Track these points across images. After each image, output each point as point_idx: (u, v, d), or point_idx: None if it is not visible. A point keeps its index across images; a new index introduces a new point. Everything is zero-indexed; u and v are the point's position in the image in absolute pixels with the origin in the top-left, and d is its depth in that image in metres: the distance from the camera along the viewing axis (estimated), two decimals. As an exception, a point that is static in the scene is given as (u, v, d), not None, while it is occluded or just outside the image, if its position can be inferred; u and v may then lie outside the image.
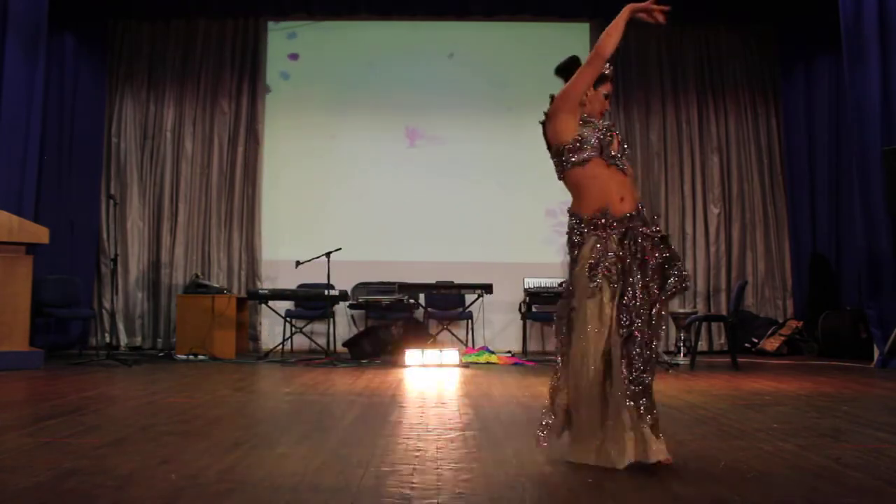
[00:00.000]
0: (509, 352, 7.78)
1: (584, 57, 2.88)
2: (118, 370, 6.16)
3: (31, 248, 6.39)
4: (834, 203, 8.22)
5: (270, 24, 9.08)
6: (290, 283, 8.30)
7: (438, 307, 8.43)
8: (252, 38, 8.98)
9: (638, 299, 2.65)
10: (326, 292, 7.47)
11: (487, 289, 7.58)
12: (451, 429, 3.49)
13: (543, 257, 8.72)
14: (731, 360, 6.57)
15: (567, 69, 2.88)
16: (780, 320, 8.53)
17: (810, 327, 8.10)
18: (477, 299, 8.01)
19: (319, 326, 8.23)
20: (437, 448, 3.00)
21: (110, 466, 2.62)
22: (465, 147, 8.97)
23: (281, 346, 7.84)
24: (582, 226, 2.77)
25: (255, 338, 8.58)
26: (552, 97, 2.88)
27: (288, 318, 7.99)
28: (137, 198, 8.72)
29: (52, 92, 7.69)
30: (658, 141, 8.90)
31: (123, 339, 8.47)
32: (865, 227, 6.78)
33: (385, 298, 7.82)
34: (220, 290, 7.66)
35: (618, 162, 2.80)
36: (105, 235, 8.58)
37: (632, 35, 8.66)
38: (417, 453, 2.89)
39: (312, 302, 8.01)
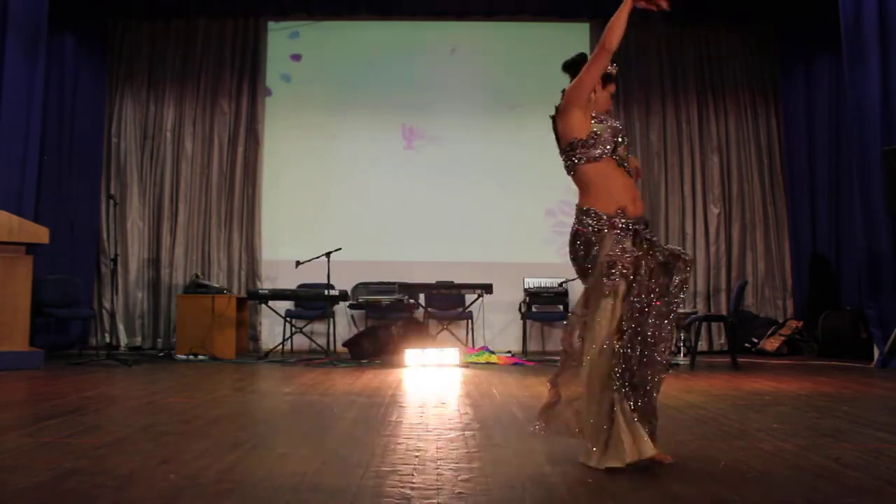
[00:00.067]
0: (509, 352, 7.78)
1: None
2: (118, 370, 6.16)
3: (31, 248, 6.39)
4: (834, 203, 8.22)
5: (271, 25, 9.08)
6: (290, 283, 8.30)
7: (438, 307, 8.43)
8: (252, 38, 8.98)
9: (646, 299, 2.69)
10: (326, 292, 7.47)
11: (487, 289, 7.58)
12: (451, 429, 3.49)
13: (543, 257, 8.72)
14: (731, 360, 6.57)
15: (575, 65, 2.89)
16: (780, 320, 8.53)
17: (810, 327, 8.10)
18: (477, 299, 8.01)
19: (319, 326, 8.23)
20: (437, 448, 3.00)
21: (110, 466, 2.62)
22: (465, 147, 8.97)
23: (281, 346, 7.85)
24: (603, 222, 2.75)
25: (255, 338, 8.58)
26: (564, 92, 2.88)
27: (288, 318, 7.99)
28: (137, 198, 8.73)
29: (52, 92, 7.69)
30: (658, 141, 8.90)
31: (123, 339, 8.47)
32: (865, 227, 6.78)
33: (385, 298, 7.82)
34: (220, 290, 7.66)
35: (625, 164, 2.84)
36: (105, 235, 8.58)
37: (632, 35, 8.67)
38: (417, 453, 2.89)
39: (312, 302, 8.01)
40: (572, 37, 8.88)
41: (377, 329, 7.50)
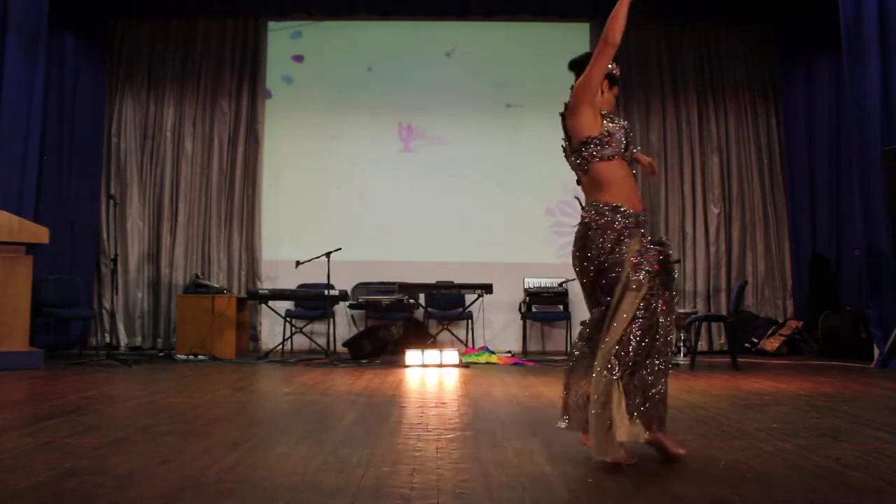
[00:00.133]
0: (509, 352, 7.79)
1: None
2: (118, 370, 6.16)
3: (31, 248, 6.39)
4: (834, 203, 8.22)
5: (272, 25, 9.07)
6: (290, 283, 8.30)
7: (438, 307, 8.43)
8: (252, 38, 8.98)
9: (658, 292, 2.76)
10: (326, 292, 7.47)
11: (487, 289, 7.58)
12: (451, 429, 3.49)
13: (543, 257, 8.72)
14: (731, 360, 6.57)
15: (581, 64, 2.91)
16: (780, 320, 8.53)
17: (810, 327, 8.10)
18: (477, 299, 8.01)
19: (319, 326, 8.23)
20: (437, 448, 3.00)
21: (110, 466, 2.62)
22: (465, 147, 8.97)
23: (281, 346, 7.85)
24: (630, 220, 2.79)
25: (255, 338, 8.58)
26: (572, 90, 2.89)
27: (288, 318, 7.99)
28: (137, 198, 8.73)
29: (52, 92, 7.70)
30: (658, 141, 8.90)
31: (123, 339, 8.47)
32: (865, 227, 6.78)
33: (385, 298, 7.82)
34: (220, 290, 7.66)
35: (633, 165, 2.90)
36: (105, 235, 8.58)
37: (632, 35, 8.67)
38: (417, 453, 2.89)
39: (312, 302, 8.01)
40: (572, 37, 8.88)
41: (377, 329, 7.50)
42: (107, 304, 8.44)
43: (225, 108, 8.87)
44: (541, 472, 2.61)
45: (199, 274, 8.32)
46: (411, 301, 7.85)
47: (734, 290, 7.51)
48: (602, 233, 2.78)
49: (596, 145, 2.83)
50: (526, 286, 8.42)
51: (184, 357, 7.27)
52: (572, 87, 2.91)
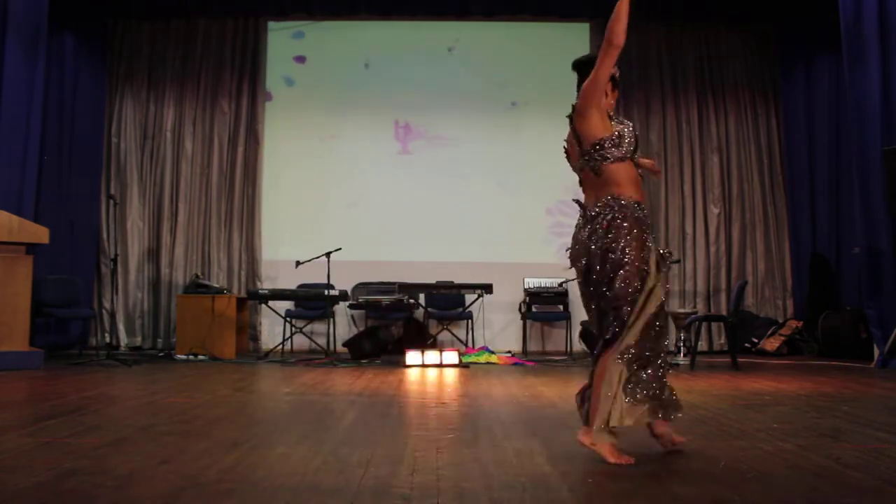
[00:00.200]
0: (509, 352, 7.79)
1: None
2: (118, 370, 6.16)
3: (31, 248, 6.39)
4: (834, 203, 8.22)
5: (273, 25, 9.07)
6: (290, 283, 8.31)
7: (438, 307, 8.43)
8: (252, 38, 8.99)
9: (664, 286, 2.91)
10: (326, 292, 7.47)
11: (487, 289, 7.58)
12: (451, 429, 3.49)
13: (543, 257, 8.71)
14: (731, 360, 6.57)
15: (585, 64, 2.94)
16: (780, 320, 8.53)
17: (810, 327, 8.10)
18: (477, 299, 8.01)
19: (319, 326, 8.24)
20: (437, 448, 3.00)
21: (110, 466, 2.62)
22: (465, 147, 8.98)
23: (281, 346, 7.85)
24: (647, 219, 2.84)
25: (255, 338, 8.59)
26: (580, 92, 2.90)
27: (288, 318, 7.99)
28: (137, 198, 8.73)
29: (52, 92, 7.70)
30: (658, 141, 8.90)
31: (123, 339, 8.47)
32: (865, 227, 6.78)
33: (385, 298, 7.82)
34: (220, 290, 7.66)
35: (637, 166, 2.94)
36: (105, 235, 8.58)
37: (632, 36, 8.60)
38: (417, 453, 2.89)
39: (312, 302, 8.01)
40: (572, 37, 8.89)
41: (377, 329, 7.50)
42: (107, 304, 8.44)
43: (225, 108, 8.87)
44: (541, 472, 2.61)
45: (199, 274, 8.32)
46: (411, 301, 7.85)
47: (734, 290, 7.51)
48: (629, 229, 2.77)
49: (608, 147, 2.84)
50: (526, 286, 8.42)
51: (184, 357, 7.27)
52: (579, 87, 2.91)
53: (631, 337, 2.75)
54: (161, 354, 7.65)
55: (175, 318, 7.88)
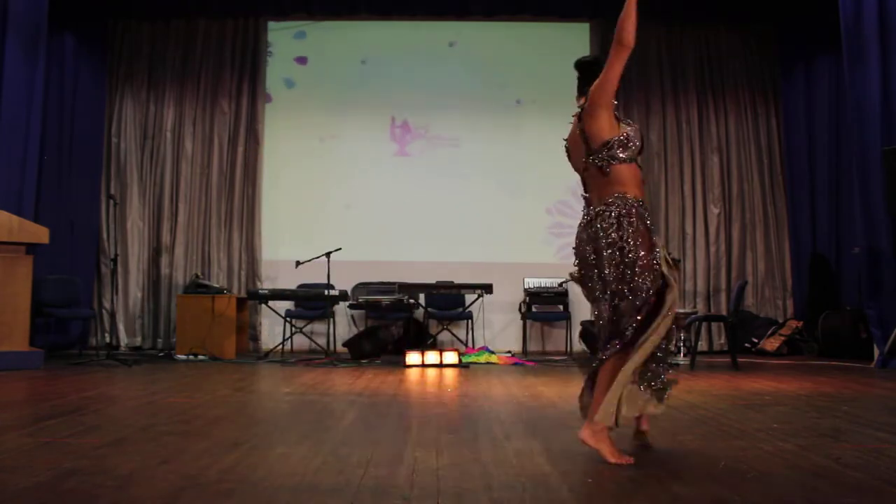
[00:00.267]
0: (509, 352, 7.79)
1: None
2: (118, 370, 6.16)
3: (31, 248, 6.39)
4: (834, 203, 8.23)
5: (275, 26, 9.07)
6: (290, 283, 8.31)
7: (438, 307, 8.43)
8: (252, 38, 8.99)
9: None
10: (326, 292, 7.47)
11: (487, 289, 7.57)
12: (451, 429, 3.49)
13: (543, 257, 8.72)
14: (731, 360, 6.57)
15: (588, 65, 2.97)
16: (780, 320, 8.53)
17: (810, 327, 8.10)
18: (477, 299, 8.01)
19: (319, 326, 8.24)
20: (437, 448, 3.00)
21: (110, 466, 2.62)
22: (465, 147, 8.98)
23: (281, 346, 7.85)
24: (651, 219, 2.86)
25: (255, 338, 8.59)
26: (588, 93, 2.89)
27: (288, 318, 7.99)
28: (137, 198, 8.73)
29: (52, 92, 7.69)
30: (658, 141, 8.90)
31: (123, 339, 8.47)
32: (865, 227, 6.78)
33: (385, 298, 7.82)
34: (220, 290, 7.66)
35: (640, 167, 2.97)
36: (105, 235, 8.58)
37: (632, 35, 8.66)
38: (417, 453, 2.89)
39: (312, 302, 8.01)
40: (572, 37, 8.89)
41: (377, 329, 7.50)
42: (107, 304, 8.44)
43: (225, 109, 8.87)
44: (541, 472, 2.61)
45: (199, 274, 8.32)
46: (411, 301, 7.85)
47: (734, 290, 7.51)
48: (636, 226, 2.78)
49: (617, 147, 2.85)
50: (526, 286, 8.42)
51: (184, 357, 7.27)
52: (586, 89, 2.91)
53: (657, 335, 2.78)
54: (161, 354, 7.65)
55: (175, 318, 7.88)
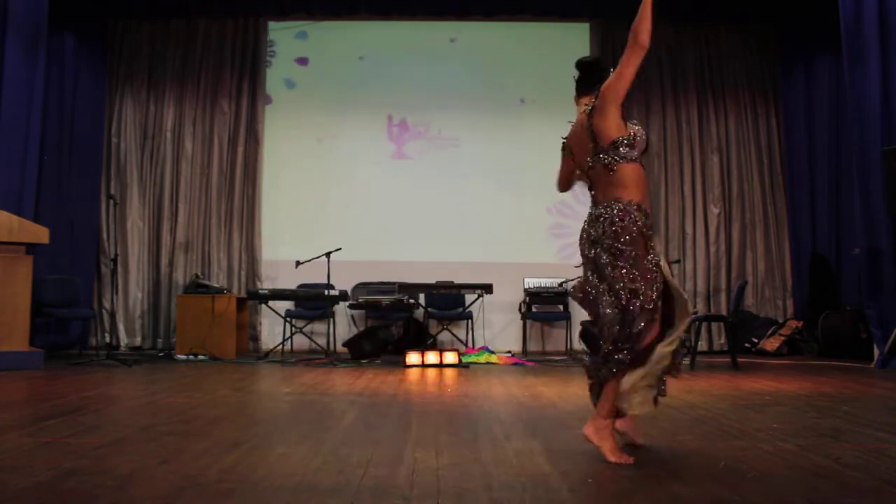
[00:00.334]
0: (509, 352, 7.79)
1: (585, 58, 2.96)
2: (118, 370, 6.16)
3: (31, 248, 6.39)
4: (834, 203, 8.23)
5: (276, 26, 9.07)
6: (290, 283, 8.31)
7: (438, 307, 8.42)
8: (252, 38, 8.99)
9: None
10: (326, 292, 7.47)
11: (487, 289, 7.57)
12: (451, 429, 3.49)
13: (543, 257, 8.72)
14: (731, 360, 6.57)
15: (592, 66, 3.01)
16: (780, 320, 8.53)
17: (810, 327, 8.10)
18: (477, 299, 8.01)
19: (319, 326, 8.24)
20: (437, 448, 3.00)
21: (110, 466, 2.62)
22: (465, 147, 8.98)
23: (281, 346, 7.85)
24: (648, 220, 2.86)
25: (255, 338, 8.58)
26: (600, 90, 2.91)
27: (288, 318, 7.99)
28: (137, 198, 8.73)
29: (52, 92, 7.70)
30: (658, 141, 8.90)
31: (123, 339, 8.47)
32: (865, 227, 6.78)
33: (385, 298, 7.82)
34: (220, 290, 7.66)
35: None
36: (105, 235, 8.58)
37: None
38: (417, 453, 2.89)
39: (312, 302, 8.01)
40: (572, 37, 8.89)
41: (377, 329, 7.50)
42: (107, 304, 8.44)
43: (225, 109, 8.87)
44: (541, 472, 2.61)
45: (199, 274, 8.32)
46: (411, 301, 7.85)
47: (734, 290, 7.51)
48: (627, 231, 2.80)
49: (625, 147, 2.87)
50: (526, 286, 8.42)
51: (184, 357, 7.27)
52: (589, 88, 2.92)
53: (680, 333, 2.84)
54: (161, 354, 7.65)
55: (175, 318, 7.87)
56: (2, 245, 6.06)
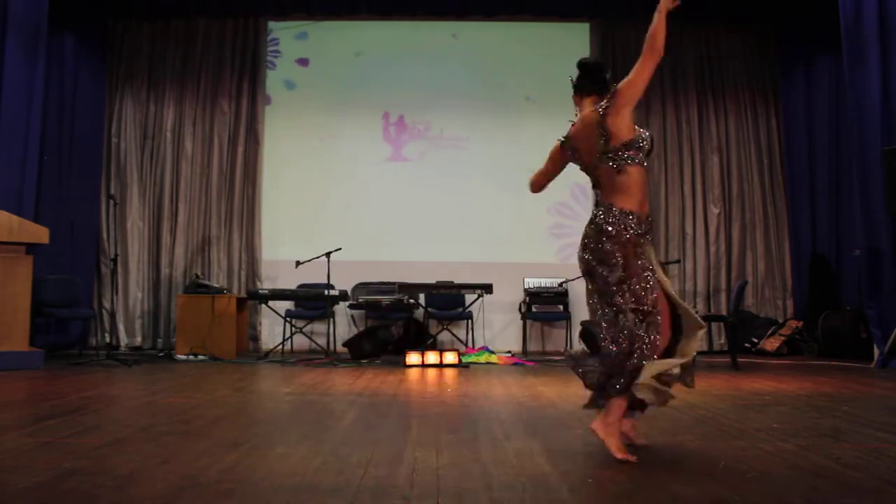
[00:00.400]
0: (509, 352, 7.79)
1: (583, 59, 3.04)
2: (118, 370, 6.16)
3: (31, 248, 6.39)
4: (834, 203, 8.23)
5: (276, 26, 9.07)
6: (290, 283, 8.31)
7: (438, 307, 8.43)
8: (252, 38, 8.99)
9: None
10: (326, 292, 7.47)
11: (487, 289, 7.57)
12: (451, 429, 3.49)
13: (543, 257, 8.72)
14: (731, 360, 6.57)
15: (594, 69, 3.06)
16: (780, 320, 8.53)
17: (810, 327, 8.10)
18: (477, 299, 8.01)
19: (319, 326, 8.24)
20: (437, 448, 3.00)
21: (110, 466, 2.62)
22: (466, 147, 8.98)
23: (281, 346, 7.85)
24: (641, 227, 2.89)
25: (255, 338, 8.59)
26: (614, 90, 2.93)
27: (288, 318, 7.99)
28: (137, 198, 8.73)
29: (52, 92, 7.70)
30: (658, 141, 8.90)
31: (123, 339, 8.47)
32: (865, 227, 6.78)
33: (385, 298, 7.82)
34: (220, 290, 7.66)
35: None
36: (105, 235, 8.58)
37: (631, 35, 8.66)
38: (417, 453, 2.89)
39: (312, 302, 8.01)
40: (572, 37, 8.89)
41: (377, 329, 7.50)
42: (107, 304, 8.44)
43: (225, 109, 8.87)
44: (541, 472, 2.61)
45: (199, 274, 8.32)
46: (411, 301, 7.85)
47: (734, 290, 7.51)
48: (616, 238, 2.85)
49: (635, 149, 2.90)
50: (526, 286, 8.42)
51: (184, 357, 7.27)
52: (614, 90, 2.94)
53: (695, 347, 2.98)
54: (161, 354, 7.65)
55: (175, 318, 7.88)
56: (2, 245, 6.06)
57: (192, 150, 8.81)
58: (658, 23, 2.89)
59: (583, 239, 2.96)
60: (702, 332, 2.94)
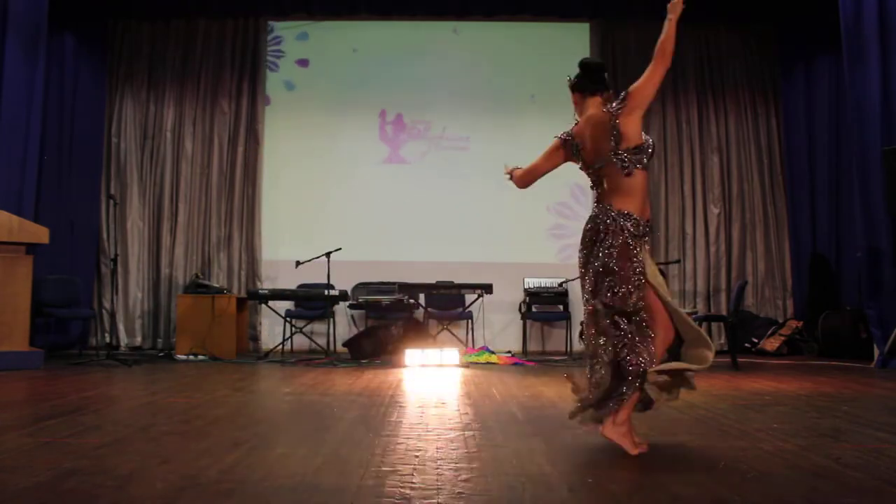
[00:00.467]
0: (509, 352, 7.79)
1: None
2: (118, 370, 6.16)
3: (31, 248, 6.39)
4: (834, 203, 8.23)
5: (277, 26, 9.07)
6: (290, 283, 8.30)
7: (438, 307, 8.42)
8: (252, 38, 8.98)
9: None
10: (326, 292, 7.47)
11: (487, 289, 7.58)
12: (451, 429, 3.49)
13: (543, 257, 8.72)
14: (731, 360, 6.57)
15: (595, 70, 3.09)
16: (780, 320, 8.53)
17: (810, 327, 8.10)
18: (477, 299, 8.01)
19: (319, 326, 8.23)
20: (436, 448, 3.00)
21: (110, 466, 2.62)
22: (466, 147, 8.98)
23: (281, 346, 7.84)
24: (639, 230, 2.92)
25: (255, 338, 8.58)
26: (626, 93, 2.97)
27: (288, 318, 7.99)
28: (137, 198, 8.73)
29: (52, 92, 7.70)
30: (658, 141, 8.89)
31: (123, 339, 8.47)
32: (865, 227, 6.78)
33: (385, 298, 7.82)
34: (220, 290, 7.66)
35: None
36: (105, 235, 8.58)
37: (632, 35, 8.68)
38: (417, 453, 2.89)
39: (312, 302, 8.01)
40: (572, 37, 8.89)
41: (377, 329, 7.49)
42: (107, 304, 8.44)
43: (225, 109, 8.87)
44: (541, 472, 2.61)
45: (199, 274, 8.31)
46: (411, 301, 7.85)
47: (734, 290, 7.51)
48: (613, 239, 2.89)
49: (645, 152, 2.95)
50: (526, 286, 8.42)
51: (184, 357, 7.27)
52: (626, 92, 2.98)
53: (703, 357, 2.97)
54: (161, 354, 7.65)
55: (175, 318, 7.88)
56: (2, 245, 6.07)
57: (192, 150, 8.81)
58: (669, 30, 2.97)
59: (582, 238, 2.98)
60: (711, 356, 2.92)
